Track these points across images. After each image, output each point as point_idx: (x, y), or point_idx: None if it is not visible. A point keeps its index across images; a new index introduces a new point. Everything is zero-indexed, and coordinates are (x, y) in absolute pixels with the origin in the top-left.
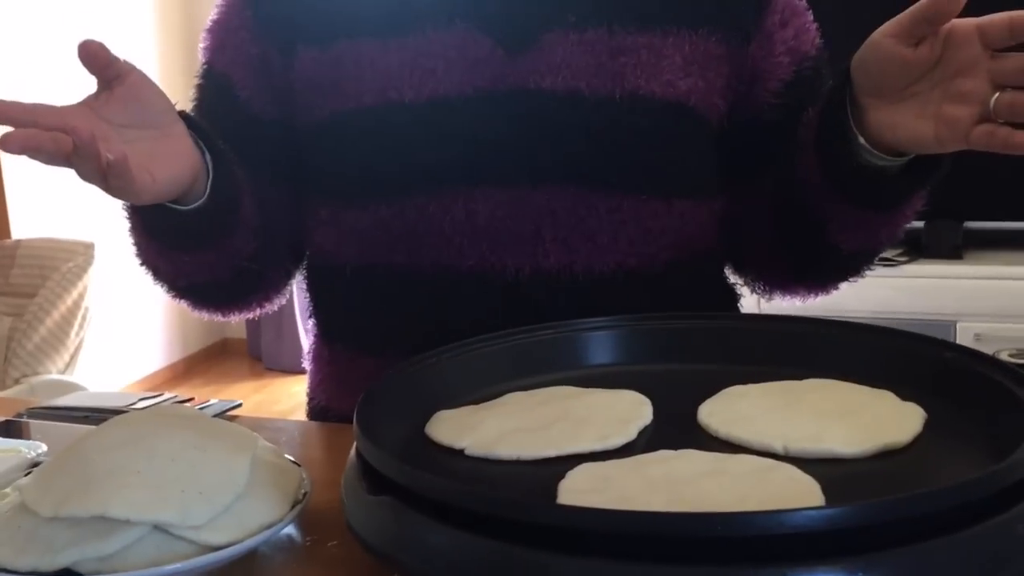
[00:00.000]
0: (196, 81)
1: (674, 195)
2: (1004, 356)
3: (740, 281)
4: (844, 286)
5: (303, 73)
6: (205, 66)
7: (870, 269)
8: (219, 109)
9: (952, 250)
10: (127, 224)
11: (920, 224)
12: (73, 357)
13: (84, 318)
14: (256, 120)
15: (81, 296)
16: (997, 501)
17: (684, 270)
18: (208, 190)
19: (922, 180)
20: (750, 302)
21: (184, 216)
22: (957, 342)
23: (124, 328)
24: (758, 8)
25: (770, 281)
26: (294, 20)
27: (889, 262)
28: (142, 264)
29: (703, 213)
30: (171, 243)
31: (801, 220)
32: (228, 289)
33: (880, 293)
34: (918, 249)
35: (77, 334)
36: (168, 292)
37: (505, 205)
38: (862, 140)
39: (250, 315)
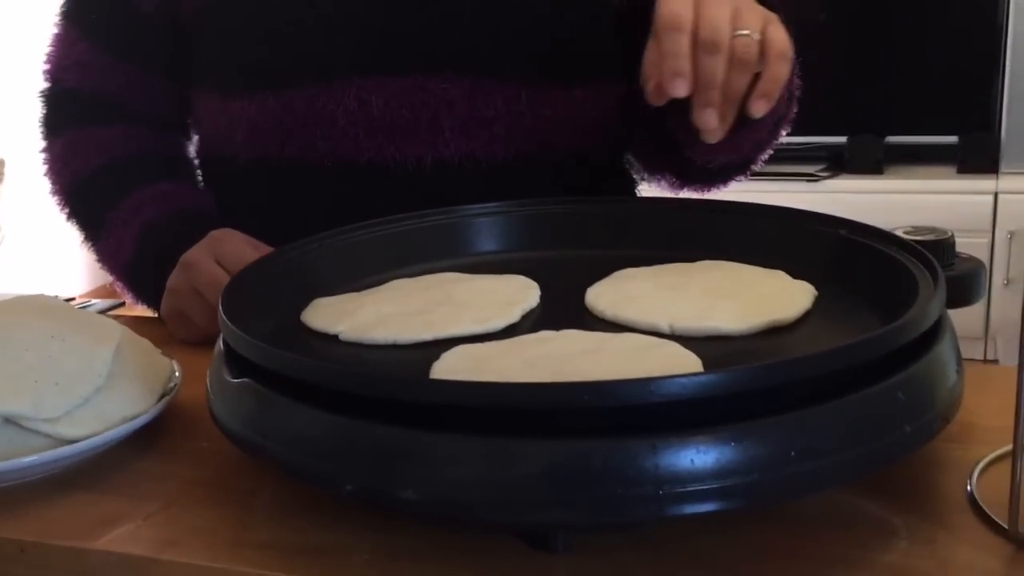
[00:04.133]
0: None
1: (574, 82)
2: (900, 234)
3: (635, 170)
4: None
5: None
6: None
7: (746, 175)
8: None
9: (873, 165)
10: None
11: (842, 139)
12: None
13: None
14: (139, 11)
15: None
16: (879, 369)
17: (586, 158)
18: None
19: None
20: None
21: None
22: None
23: (42, 251)
24: None
25: (657, 177)
26: None
27: (812, 177)
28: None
29: (605, 100)
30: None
31: (661, 130)
32: None
33: (802, 207)
34: (840, 164)
35: None
36: None
37: (400, 95)
38: None
39: None
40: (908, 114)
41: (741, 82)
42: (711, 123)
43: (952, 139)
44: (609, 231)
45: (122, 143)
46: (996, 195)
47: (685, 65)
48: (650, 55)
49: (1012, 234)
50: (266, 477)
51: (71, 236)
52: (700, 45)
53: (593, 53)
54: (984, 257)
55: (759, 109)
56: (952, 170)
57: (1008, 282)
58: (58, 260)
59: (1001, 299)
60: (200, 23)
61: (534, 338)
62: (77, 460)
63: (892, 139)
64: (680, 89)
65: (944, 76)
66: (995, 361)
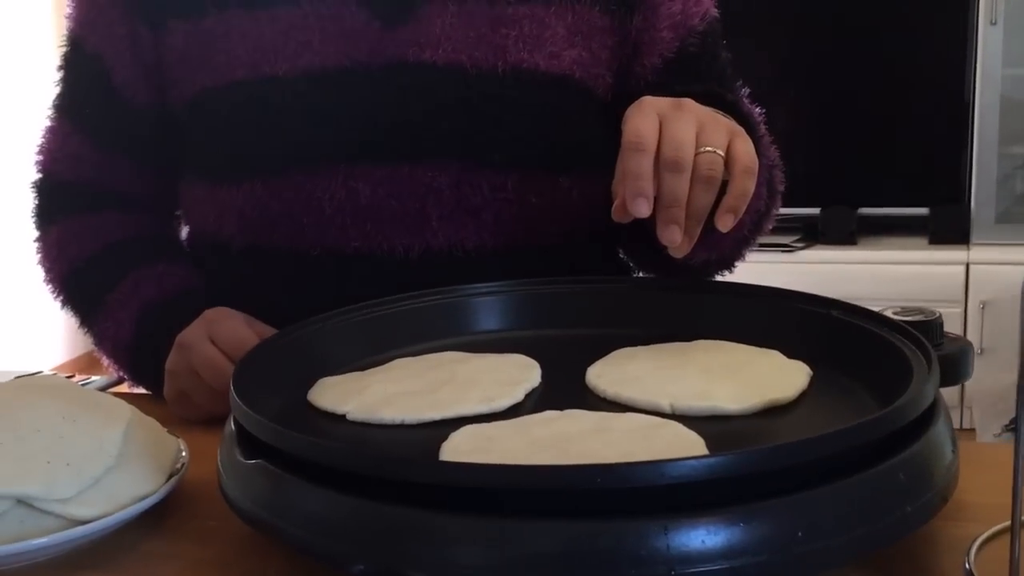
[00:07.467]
0: (63, 50)
1: (560, 171)
2: (889, 314)
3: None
4: (737, 269)
5: (174, 48)
6: (73, 41)
7: (731, 270)
8: (93, 94)
9: (847, 236)
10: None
11: (816, 211)
12: None
13: None
14: (130, 106)
15: None
16: (878, 450)
17: (576, 244)
18: None
19: None
20: None
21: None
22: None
23: (20, 319)
24: None
25: (644, 267)
26: None
27: (786, 248)
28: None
29: (592, 188)
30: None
31: (641, 229)
32: None
33: (777, 278)
34: (814, 235)
35: None
36: None
37: (387, 183)
38: None
39: None
40: (880, 186)
41: (706, 199)
42: (675, 240)
43: (923, 211)
44: (605, 310)
45: (117, 228)
46: (968, 265)
47: (647, 186)
48: (619, 171)
49: (984, 304)
50: (273, 557)
51: (44, 307)
52: (663, 164)
53: (579, 142)
54: (957, 327)
55: (725, 224)
56: (924, 241)
57: (982, 352)
58: (32, 331)
59: (975, 368)
60: (188, 114)
61: (539, 418)
62: (87, 541)
63: (864, 210)
64: (641, 209)
65: (914, 149)
66: (972, 430)
